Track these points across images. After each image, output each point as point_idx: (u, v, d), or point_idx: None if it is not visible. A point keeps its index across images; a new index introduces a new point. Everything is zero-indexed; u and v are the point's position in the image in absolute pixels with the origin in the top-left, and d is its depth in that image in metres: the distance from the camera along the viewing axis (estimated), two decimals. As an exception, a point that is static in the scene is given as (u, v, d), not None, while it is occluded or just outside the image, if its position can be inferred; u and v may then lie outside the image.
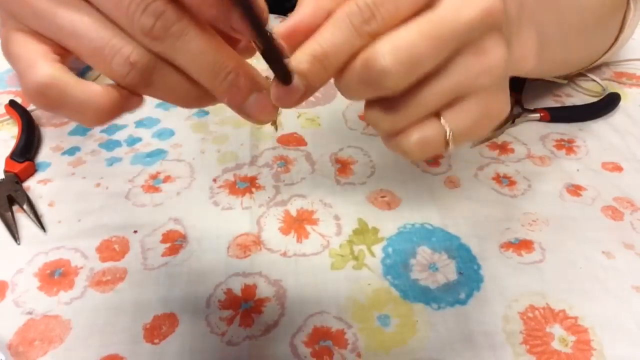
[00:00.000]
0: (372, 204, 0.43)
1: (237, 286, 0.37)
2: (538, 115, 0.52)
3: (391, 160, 0.47)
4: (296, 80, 0.22)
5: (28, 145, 0.47)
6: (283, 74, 0.22)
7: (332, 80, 0.23)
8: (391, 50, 0.21)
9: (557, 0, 0.38)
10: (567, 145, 0.49)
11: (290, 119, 0.52)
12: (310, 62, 0.22)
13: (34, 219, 0.41)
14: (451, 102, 0.23)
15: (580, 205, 0.43)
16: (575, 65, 0.52)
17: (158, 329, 0.34)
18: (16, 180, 0.44)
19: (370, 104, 0.24)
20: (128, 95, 0.23)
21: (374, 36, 0.21)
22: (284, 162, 0.47)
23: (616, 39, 0.52)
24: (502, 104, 0.24)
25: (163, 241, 0.40)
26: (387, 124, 0.23)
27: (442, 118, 0.23)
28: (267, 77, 0.24)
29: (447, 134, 0.23)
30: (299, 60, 0.22)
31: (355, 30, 0.21)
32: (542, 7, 0.33)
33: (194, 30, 0.22)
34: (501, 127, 0.50)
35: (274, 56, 0.22)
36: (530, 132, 0.51)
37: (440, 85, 0.22)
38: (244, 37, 0.24)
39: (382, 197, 0.43)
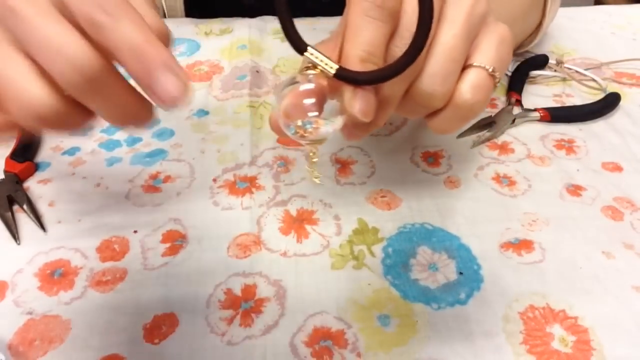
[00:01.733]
0: (372, 204, 0.43)
1: (237, 286, 0.37)
2: (538, 115, 0.52)
3: (391, 160, 0.47)
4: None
5: (28, 145, 0.47)
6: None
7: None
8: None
9: None
10: (567, 145, 0.49)
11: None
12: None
13: (34, 219, 0.41)
14: (474, 45, 0.26)
15: (580, 205, 0.43)
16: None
17: (158, 329, 0.34)
18: (16, 180, 0.44)
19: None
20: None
21: None
22: (284, 162, 0.47)
23: (538, 28, 0.56)
24: (504, 28, 0.27)
25: (163, 241, 0.40)
26: (439, 93, 0.26)
27: (474, 62, 0.26)
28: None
29: (488, 68, 0.26)
30: None
31: None
32: None
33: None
34: (501, 127, 0.50)
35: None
36: (530, 132, 0.51)
37: (458, 35, 0.25)
38: None
39: (382, 197, 0.43)
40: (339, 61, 0.25)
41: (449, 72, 0.26)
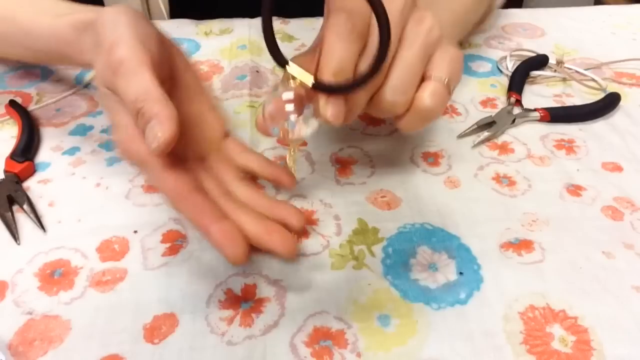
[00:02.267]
0: (372, 204, 0.43)
1: (237, 286, 0.37)
2: (538, 115, 0.52)
3: (391, 160, 0.47)
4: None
5: (28, 145, 0.47)
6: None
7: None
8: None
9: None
10: (567, 145, 0.49)
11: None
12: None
13: (34, 219, 0.41)
14: (430, 62, 0.31)
15: (580, 205, 0.43)
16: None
17: (158, 329, 0.34)
18: (16, 180, 0.44)
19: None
20: None
21: None
22: (284, 162, 0.47)
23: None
24: (455, 49, 0.33)
25: (163, 241, 0.40)
26: (400, 102, 0.31)
27: (431, 75, 0.31)
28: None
29: (444, 80, 0.31)
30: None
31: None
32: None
33: None
34: (501, 127, 0.50)
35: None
36: (530, 132, 0.51)
37: (416, 54, 0.31)
38: None
39: (382, 197, 0.43)
40: (316, 72, 0.30)
41: (408, 85, 0.31)
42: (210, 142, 0.37)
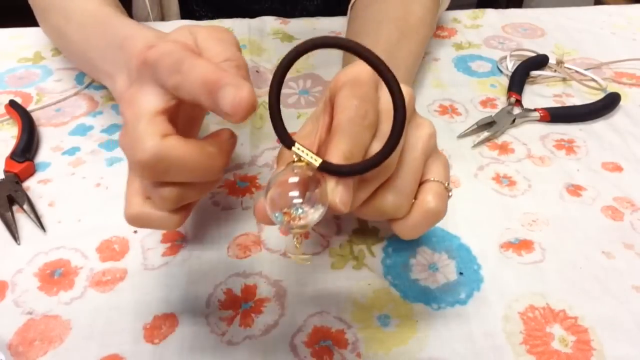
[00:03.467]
0: (372, 204, 0.43)
1: (237, 286, 0.37)
2: (538, 115, 0.52)
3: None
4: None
5: (28, 145, 0.47)
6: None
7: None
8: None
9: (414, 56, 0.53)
10: (567, 145, 0.49)
11: (290, 119, 0.52)
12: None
13: (34, 219, 0.41)
14: (426, 167, 0.32)
15: (580, 205, 0.43)
16: None
17: (158, 329, 0.34)
18: (16, 180, 0.44)
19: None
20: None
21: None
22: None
23: None
24: (444, 157, 0.33)
25: (163, 241, 0.40)
26: (404, 205, 0.31)
27: (431, 179, 0.31)
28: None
29: (443, 182, 0.31)
30: None
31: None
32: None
33: None
34: (501, 127, 0.50)
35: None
36: (530, 132, 0.51)
37: (419, 158, 0.31)
38: None
39: (382, 197, 0.43)
40: (318, 150, 0.29)
41: (412, 187, 0.31)
42: None
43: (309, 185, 0.27)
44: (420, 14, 0.55)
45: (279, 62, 0.28)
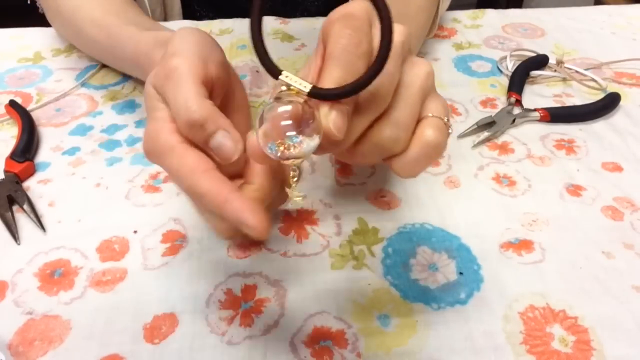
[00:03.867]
0: (372, 204, 0.43)
1: (237, 286, 0.37)
2: (538, 115, 0.52)
3: (391, 160, 0.47)
4: None
5: (28, 145, 0.47)
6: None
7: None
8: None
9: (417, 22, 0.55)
10: (567, 145, 0.49)
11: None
12: None
13: (34, 219, 0.41)
14: (424, 106, 0.31)
15: (580, 205, 0.43)
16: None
17: (158, 329, 0.34)
18: (16, 180, 0.44)
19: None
20: None
21: None
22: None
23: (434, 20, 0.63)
24: (443, 99, 0.32)
25: (163, 241, 0.40)
26: (402, 138, 0.30)
27: (430, 114, 0.31)
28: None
29: (442, 118, 0.31)
30: None
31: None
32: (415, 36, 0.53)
33: None
34: (501, 127, 0.50)
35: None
36: (530, 132, 0.51)
37: (416, 93, 0.30)
38: None
39: (382, 197, 0.43)
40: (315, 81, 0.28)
41: (409, 121, 0.30)
42: None
43: (303, 116, 0.27)
44: (420, 2, 0.56)
45: None
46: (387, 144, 0.30)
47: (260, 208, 0.28)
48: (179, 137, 0.30)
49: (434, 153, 0.30)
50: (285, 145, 0.26)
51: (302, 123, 0.26)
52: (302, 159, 0.27)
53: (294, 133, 0.26)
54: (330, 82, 0.27)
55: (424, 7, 0.56)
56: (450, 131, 0.31)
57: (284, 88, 0.27)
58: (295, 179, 0.29)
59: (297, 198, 0.30)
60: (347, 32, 0.28)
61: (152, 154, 0.31)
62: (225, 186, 0.28)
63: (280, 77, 0.27)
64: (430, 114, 0.31)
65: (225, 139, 0.30)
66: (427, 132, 0.30)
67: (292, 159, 0.27)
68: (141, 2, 0.69)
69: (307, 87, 0.26)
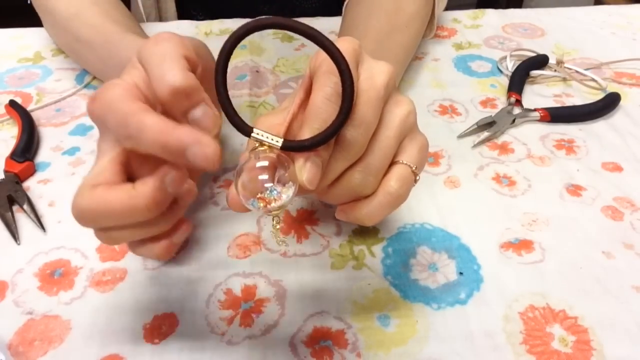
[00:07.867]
0: (372, 204, 0.43)
1: (237, 286, 0.37)
2: (538, 115, 0.52)
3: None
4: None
5: (28, 145, 0.47)
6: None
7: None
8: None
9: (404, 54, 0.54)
10: (567, 145, 0.49)
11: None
12: None
13: (34, 219, 0.41)
14: (400, 147, 0.32)
15: (580, 205, 0.43)
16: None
17: (158, 328, 0.34)
18: (16, 180, 0.44)
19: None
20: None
21: None
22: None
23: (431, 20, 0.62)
24: (424, 137, 0.33)
25: (163, 241, 0.40)
26: (372, 183, 0.31)
27: (400, 161, 0.31)
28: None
29: (411, 166, 0.31)
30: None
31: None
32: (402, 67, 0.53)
33: None
34: (501, 127, 0.50)
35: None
36: (530, 132, 0.51)
37: (392, 136, 0.31)
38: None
39: (382, 197, 0.43)
40: (291, 125, 0.30)
41: (381, 166, 0.31)
42: None
43: (279, 166, 0.28)
44: (412, 9, 0.55)
45: (220, 51, 0.29)
46: (357, 188, 0.31)
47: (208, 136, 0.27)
48: (141, 103, 0.28)
49: (395, 203, 0.32)
50: (267, 200, 0.28)
51: (278, 175, 0.28)
52: (283, 209, 0.29)
53: (271, 184, 0.27)
54: (309, 132, 0.28)
55: (417, 14, 0.56)
56: (417, 179, 0.32)
57: (257, 144, 0.28)
58: (278, 226, 0.31)
59: (281, 243, 0.32)
60: (334, 80, 0.28)
61: (100, 101, 0.29)
62: (172, 123, 0.27)
63: (252, 134, 0.28)
64: (402, 160, 0.31)
65: (208, 111, 0.29)
66: (391, 183, 0.31)
67: (274, 211, 0.28)
68: (135, 6, 0.69)
69: (279, 142, 0.28)
